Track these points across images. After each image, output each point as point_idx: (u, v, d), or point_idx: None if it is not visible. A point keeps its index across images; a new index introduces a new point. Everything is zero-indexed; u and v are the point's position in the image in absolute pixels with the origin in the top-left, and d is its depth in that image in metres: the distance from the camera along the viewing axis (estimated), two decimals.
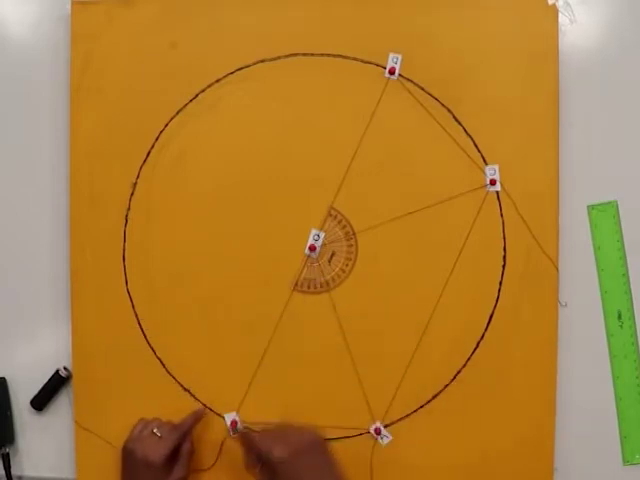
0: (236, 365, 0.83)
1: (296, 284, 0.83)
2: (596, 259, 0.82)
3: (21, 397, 0.87)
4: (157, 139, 0.84)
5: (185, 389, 0.84)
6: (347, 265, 0.83)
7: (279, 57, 0.83)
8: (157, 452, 0.76)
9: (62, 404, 0.86)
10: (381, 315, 0.82)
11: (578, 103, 0.82)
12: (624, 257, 0.82)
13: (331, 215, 0.83)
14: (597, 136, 0.82)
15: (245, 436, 0.78)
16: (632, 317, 0.82)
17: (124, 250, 0.84)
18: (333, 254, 0.83)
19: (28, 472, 0.87)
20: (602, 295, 0.82)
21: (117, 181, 0.84)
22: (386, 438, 0.82)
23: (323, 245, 0.83)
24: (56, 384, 0.86)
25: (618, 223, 0.82)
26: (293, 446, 0.72)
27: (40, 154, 0.87)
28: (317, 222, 0.83)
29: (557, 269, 0.81)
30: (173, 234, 0.84)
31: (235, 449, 0.82)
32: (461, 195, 0.82)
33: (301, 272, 0.83)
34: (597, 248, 0.82)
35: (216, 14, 0.84)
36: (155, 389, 0.84)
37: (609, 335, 0.82)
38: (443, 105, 0.82)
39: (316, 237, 0.83)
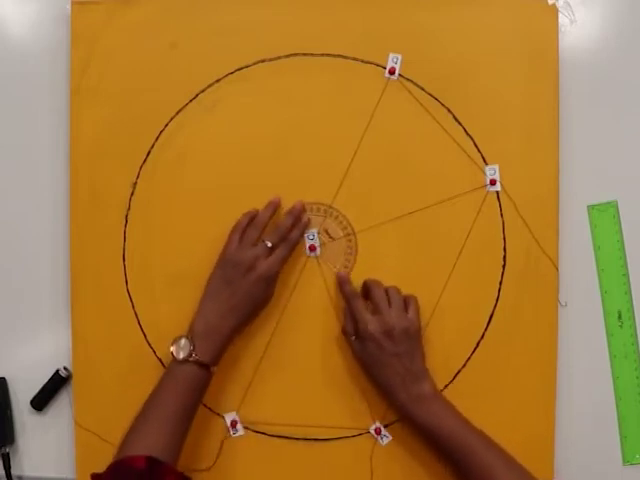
0: (236, 365, 0.83)
1: (297, 284, 0.83)
2: (596, 259, 0.82)
3: (21, 397, 0.87)
4: (157, 139, 0.84)
5: None
6: (347, 265, 0.83)
7: (279, 57, 0.83)
8: (274, 268, 0.79)
9: (62, 404, 0.86)
10: None
11: (578, 103, 0.82)
12: (624, 257, 0.82)
13: (331, 215, 0.83)
14: (597, 136, 0.82)
15: (350, 302, 0.80)
16: (632, 317, 0.82)
17: (124, 250, 0.84)
18: (334, 254, 0.83)
19: (28, 472, 0.87)
20: (602, 295, 0.82)
21: (117, 181, 0.84)
22: (386, 438, 0.82)
23: (323, 245, 0.83)
24: (56, 384, 0.86)
25: (618, 223, 0.82)
26: (386, 327, 0.77)
27: (40, 154, 0.87)
28: (317, 222, 0.83)
29: (557, 269, 0.81)
30: (173, 234, 0.84)
31: (235, 449, 0.82)
32: (461, 195, 0.82)
33: (301, 272, 0.83)
34: (597, 248, 0.82)
35: (216, 14, 0.84)
36: None
37: (609, 335, 0.82)
38: (443, 105, 0.82)
39: (311, 237, 0.83)
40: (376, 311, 0.78)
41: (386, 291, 0.79)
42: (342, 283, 0.81)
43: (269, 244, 0.79)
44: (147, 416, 0.75)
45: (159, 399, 0.76)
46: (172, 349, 0.77)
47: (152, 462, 0.70)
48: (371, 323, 0.77)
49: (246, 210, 0.82)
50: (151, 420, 0.75)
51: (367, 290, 0.80)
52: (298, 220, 0.81)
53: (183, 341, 0.77)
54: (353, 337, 0.79)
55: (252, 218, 0.81)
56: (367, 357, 0.78)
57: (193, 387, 0.76)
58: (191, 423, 0.77)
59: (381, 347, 0.77)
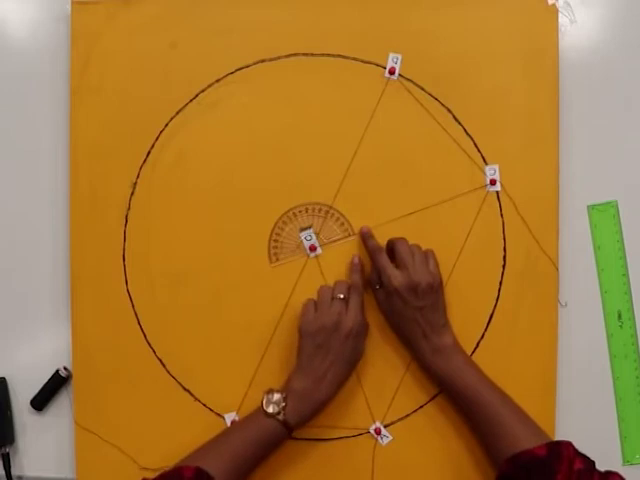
0: (236, 365, 0.83)
1: (297, 284, 0.83)
2: (596, 259, 0.82)
3: (21, 397, 0.87)
4: (157, 139, 0.84)
5: (185, 389, 0.84)
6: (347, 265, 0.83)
7: (279, 57, 0.83)
8: (358, 319, 0.78)
9: (62, 404, 0.86)
10: (382, 315, 0.82)
11: (578, 103, 0.82)
12: (624, 257, 0.82)
13: (331, 215, 0.83)
14: (597, 136, 0.82)
15: (374, 256, 0.80)
16: (632, 317, 0.82)
17: (124, 250, 0.84)
18: (334, 254, 0.83)
19: (28, 472, 0.87)
20: (602, 295, 0.82)
21: (117, 181, 0.84)
22: (386, 438, 0.82)
23: (323, 244, 0.83)
24: (56, 384, 0.86)
25: (618, 223, 0.82)
26: (411, 282, 0.77)
27: (40, 154, 0.87)
28: (317, 222, 0.83)
29: (557, 269, 0.81)
30: (173, 234, 0.84)
31: None
32: (461, 195, 0.82)
33: (302, 272, 0.83)
34: (597, 248, 0.82)
35: (216, 14, 0.84)
36: (155, 389, 0.84)
37: (609, 335, 0.82)
38: (443, 105, 0.82)
39: (308, 237, 0.83)
40: (401, 265, 0.78)
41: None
42: (365, 238, 0.81)
43: (341, 296, 0.78)
44: (214, 444, 0.76)
45: (233, 437, 0.77)
46: (263, 399, 0.77)
47: (200, 473, 0.71)
48: (396, 278, 0.77)
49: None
50: (217, 448, 0.76)
51: (391, 246, 0.80)
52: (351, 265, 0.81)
53: (276, 396, 0.76)
54: (377, 286, 0.80)
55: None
56: (390, 309, 0.79)
57: (269, 441, 0.76)
58: (254, 468, 0.77)
59: (405, 301, 0.77)
